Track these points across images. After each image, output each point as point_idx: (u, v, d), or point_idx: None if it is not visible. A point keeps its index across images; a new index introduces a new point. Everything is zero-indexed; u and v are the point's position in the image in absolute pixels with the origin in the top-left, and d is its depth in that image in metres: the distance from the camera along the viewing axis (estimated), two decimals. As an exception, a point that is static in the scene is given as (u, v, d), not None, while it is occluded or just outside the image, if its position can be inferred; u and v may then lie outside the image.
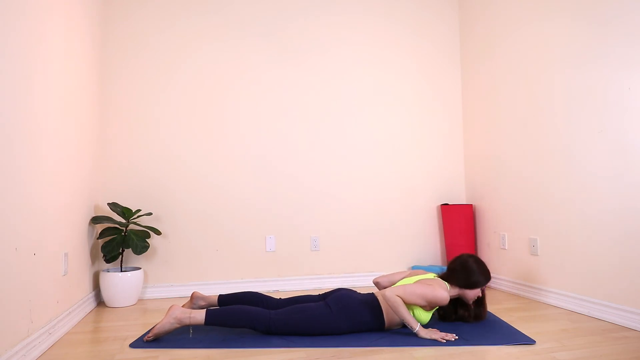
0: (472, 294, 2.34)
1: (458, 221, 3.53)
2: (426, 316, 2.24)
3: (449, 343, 2.07)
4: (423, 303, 2.18)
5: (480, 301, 2.41)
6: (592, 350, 1.97)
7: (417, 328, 2.13)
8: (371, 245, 3.63)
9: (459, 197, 3.84)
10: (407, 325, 2.15)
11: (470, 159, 3.79)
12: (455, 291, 2.36)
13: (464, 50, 3.87)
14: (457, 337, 2.13)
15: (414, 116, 3.80)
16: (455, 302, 2.43)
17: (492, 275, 3.43)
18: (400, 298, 2.15)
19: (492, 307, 2.79)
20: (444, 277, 2.41)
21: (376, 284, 2.56)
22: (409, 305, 2.20)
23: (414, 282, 2.27)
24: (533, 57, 3.01)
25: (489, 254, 3.50)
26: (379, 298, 2.29)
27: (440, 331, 2.19)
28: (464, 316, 2.41)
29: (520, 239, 3.15)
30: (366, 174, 3.67)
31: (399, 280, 2.44)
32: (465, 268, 2.34)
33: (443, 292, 2.20)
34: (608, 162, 2.46)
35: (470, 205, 3.57)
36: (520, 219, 3.14)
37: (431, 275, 2.39)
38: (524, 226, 3.10)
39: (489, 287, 3.42)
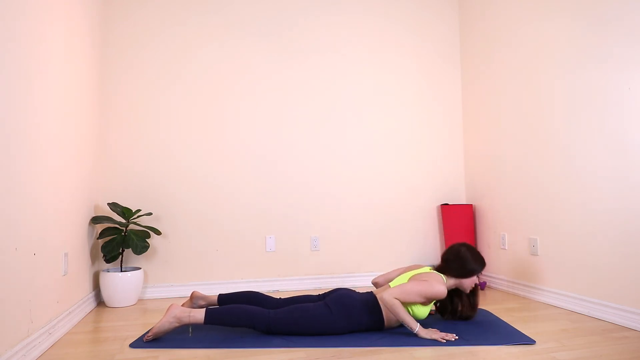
0: (468, 282, 2.35)
1: (458, 221, 3.53)
2: (424, 311, 2.24)
3: (449, 343, 2.07)
4: (421, 300, 2.18)
5: (473, 290, 2.42)
6: (592, 350, 1.97)
7: (417, 329, 2.13)
8: (371, 245, 3.63)
9: (459, 197, 3.84)
10: (406, 326, 2.15)
11: (470, 159, 3.79)
12: (452, 282, 2.36)
13: (464, 51, 3.87)
14: (457, 337, 2.13)
15: (414, 116, 3.80)
16: (451, 292, 2.43)
17: (492, 275, 3.43)
18: (398, 300, 2.15)
19: (492, 307, 2.79)
20: (439, 269, 2.40)
21: (375, 284, 2.56)
22: (408, 303, 2.20)
23: (409, 280, 2.26)
24: (533, 57, 3.01)
25: (489, 254, 3.50)
26: (378, 296, 2.29)
27: (440, 331, 2.20)
28: (458, 307, 2.41)
29: (520, 239, 3.15)
30: (366, 174, 3.67)
31: (395, 278, 2.44)
32: (459, 257, 2.35)
33: (440, 286, 2.19)
34: (608, 162, 2.46)
35: (470, 205, 3.57)
36: (520, 219, 3.14)
37: (426, 269, 2.38)
38: (524, 226, 3.10)
39: (490, 287, 3.42)
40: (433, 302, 2.33)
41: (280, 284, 3.42)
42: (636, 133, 2.30)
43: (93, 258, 2.99)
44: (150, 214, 3.11)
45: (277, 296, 3.06)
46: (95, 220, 2.92)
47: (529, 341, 2.08)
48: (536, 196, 2.99)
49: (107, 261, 2.96)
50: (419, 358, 1.91)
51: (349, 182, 3.63)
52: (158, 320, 2.49)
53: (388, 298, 2.14)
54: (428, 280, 2.23)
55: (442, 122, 3.86)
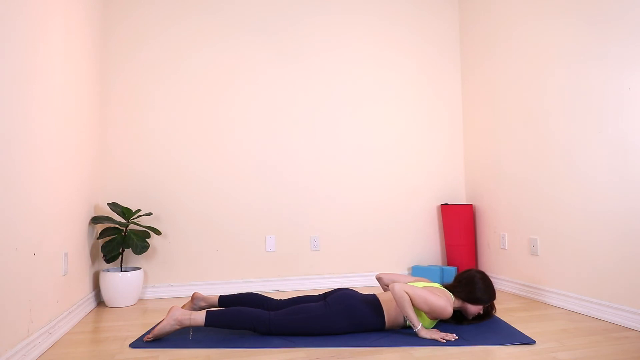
0: (473, 309, 2.33)
1: (458, 221, 3.53)
2: (429, 324, 2.24)
3: (449, 343, 2.07)
4: (426, 309, 2.17)
5: (486, 315, 2.41)
6: (592, 350, 1.97)
7: (419, 327, 2.13)
8: (371, 245, 3.63)
9: (459, 197, 3.84)
10: (409, 322, 2.15)
11: (470, 159, 3.79)
12: (458, 303, 2.35)
13: (464, 50, 3.87)
14: (457, 337, 2.13)
15: (414, 116, 3.80)
16: (458, 314, 2.43)
17: (492, 275, 3.43)
18: (408, 295, 2.15)
19: (492, 307, 2.79)
20: (449, 287, 2.40)
21: (378, 279, 2.57)
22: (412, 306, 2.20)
23: (422, 287, 2.26)
24: (533, 57, 3.01)
25: (489, 254, 3.50)
26: (380, 298, 2.29)
27: (441, 331, 2.20)
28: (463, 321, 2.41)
29: (520, 239, 3.14)
30: (366, 174, 3.67)
31: (406, 282, 2.44)
32: (471, 282, 2.33)
33: (447, 304, 2.18)
34: (608, 162, 2.46)
35: (470, 205, 3.57)
36: (520, 219, 3.14)
37: (437, 285, 2.38)
38: (524, 226, 3.10)
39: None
40: (437, 321, 2.33)
41: (281, 284, 3.42)
42: (636, 133, 2.30)
43: (93, 258, 2.99)
44: (150, 214, 3.11)
45: (277, 296, 3.07)
46: (95, 220, 2.92)
47: (529, 341, 2.08)
48: (536, 196, 2.99)
49: (107, 261, 2.96)
50: (419, 358, 1.91)
51: (349, 182, 3.63)
52: (158, 322, 2.49)
53: (399, 290, 2.14)
54: (440, 295, 2.22)
55: (442, 122, 3.86)
